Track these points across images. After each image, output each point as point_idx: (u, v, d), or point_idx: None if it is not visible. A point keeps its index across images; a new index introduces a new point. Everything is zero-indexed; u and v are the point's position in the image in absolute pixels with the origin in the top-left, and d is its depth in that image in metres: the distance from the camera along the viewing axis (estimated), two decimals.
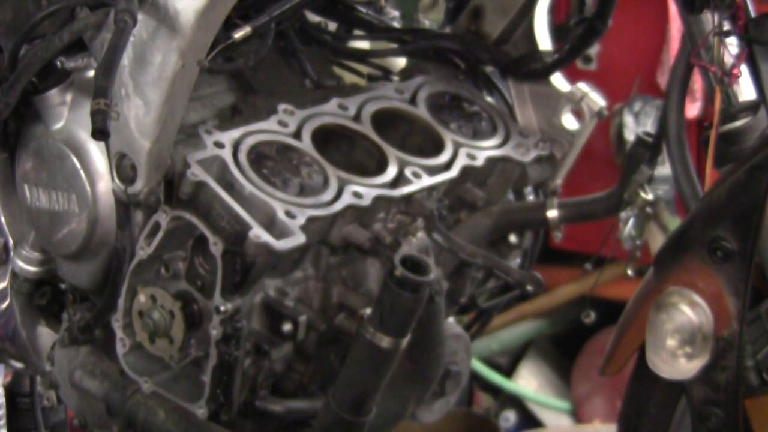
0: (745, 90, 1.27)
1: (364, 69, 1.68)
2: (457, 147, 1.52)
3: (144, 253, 1.37)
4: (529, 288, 1.55)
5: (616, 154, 2.71)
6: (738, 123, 1.26)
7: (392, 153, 1.47)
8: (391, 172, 1.45)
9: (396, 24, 1.71)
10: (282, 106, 1.45)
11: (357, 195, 1.39)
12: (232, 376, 1.37)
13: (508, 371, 3.06)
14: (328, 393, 1.36)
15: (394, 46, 1.66)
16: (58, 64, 1.40)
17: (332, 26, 1.67)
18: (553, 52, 1.60)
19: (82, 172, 1.42)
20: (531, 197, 1.66)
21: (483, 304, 1.70)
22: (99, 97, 1.21)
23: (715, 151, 1.26)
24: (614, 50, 2.70)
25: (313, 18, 1.64)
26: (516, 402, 3.00)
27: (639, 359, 1.32)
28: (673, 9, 2.56)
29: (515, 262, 1.67)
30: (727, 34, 1.24)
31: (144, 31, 1.29)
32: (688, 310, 1.21)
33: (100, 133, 1.21)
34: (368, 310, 1.33)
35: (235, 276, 1.33)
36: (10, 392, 1.83)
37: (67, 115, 1.44)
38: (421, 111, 1.54)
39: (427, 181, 1.46)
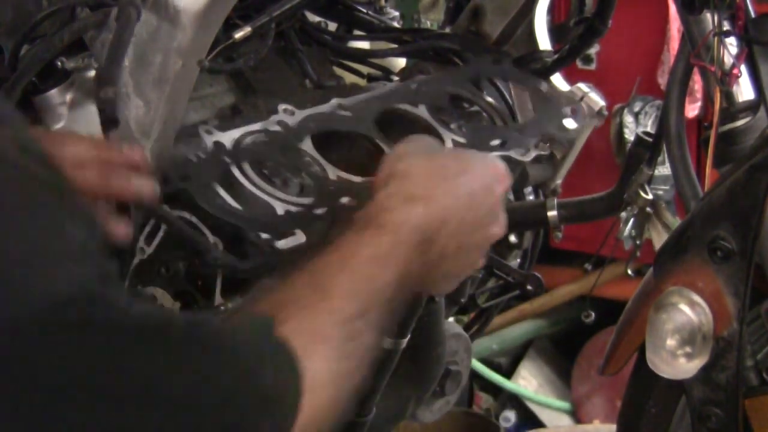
0: (745, 90, 1.27)
1: (364, 69, 1.68)
2: (457, 147, 1.52)
3: (144, 253, 1.37)
4: (529, 288, 1.55)
5: (617, 154, 2.71)
6: (738, 123, 1.26)
7: None
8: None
9: (396, 24, 1.71)
10: (282, 106, 1.45)
11: None
12: None
13: (508, 371, 3.07)
14: None
15: (394, 46, 1.66)
16: (59, 64, 1.40)
17: (332, 26, 1.67)
18: (552, 52, 1.60)
19: None
20: (531, 197, 1.66)
21: (483, 304, 1.70)
22: (107, 85, 1.21)
23: (715, 151, 1.26)
24: (614, 50, 2.71)
25: (313, 18, 1.64)
26: (516, 402, 3.00)
27: (639, 359, 1.32)
28: (672, 9, 2.56)
29: (515, 262, 1.67)
30: (727, 34, 1.24)
31: (144, 31, 1.29)
32: (688, 310, 1.21)
33: (110, 122, 1.20)
34: None
35: (235, 276, 1.33)
36: None
37: (67, 115, 1.44)
38: (421, 111, 1.54)
39: None
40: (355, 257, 0.96)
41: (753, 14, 1.26)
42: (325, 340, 0.89)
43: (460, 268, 1.10)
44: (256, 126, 1.42)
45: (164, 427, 0.75)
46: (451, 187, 1.07)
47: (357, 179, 1.31)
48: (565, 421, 2.98)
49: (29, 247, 0.71)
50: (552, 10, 1.68)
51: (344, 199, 1.24)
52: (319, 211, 1.25)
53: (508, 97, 1.65)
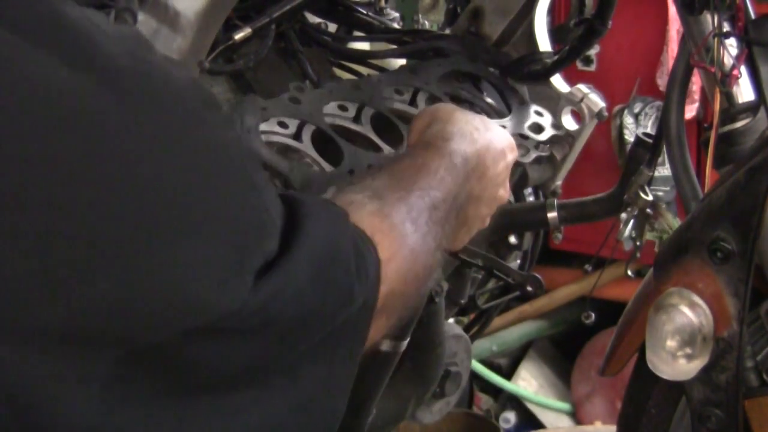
0: (745, 91, 1.27)
1: (364, 70, 1.68)
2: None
3: None
4: (529, 289, 1.55)
5: (618, 155, 2.71)
6: (738, 124, 1.26)
7: (391, 151, 1.47)
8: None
9: (396, 25, 1.71)
10: (293, 84, 1.45)
11: None
12: None
13: (508, 372, 3.07)
14: None
15: (394, 47, 1.66)
16: None
17: (332, 27, 1.67)
18: (552, 53, 1.60)
19: None
20: (531, 198, 1.66)
21: (483, 305, 1.70)
22: None
23: (714, 153, 1.26)
24: (614, 51, 2.71)
25: (313, 19, 1.64)
26: (516, 403, 3.00)
27: (639, 360, 1.32)
28: (672, 10, 2.56)
29: (515, 263, 1.67)
30: (727, 35, 1.24)
31: (144, 32, 1.30)
32: (688, 311, 1.21)
33: None
34: None
35: None
36: None
37: None
38: None
39: None
40: (423, 167, 1.06)
41: (753, 15, 1.26)
42: (417, 216, 0.99)
43: (474, 219, 1.19)
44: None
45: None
46: (481, 138, 1.17)
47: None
48: (565, 422, 2.98)
49: (198, 251, 0.74)
50: (552, 11, 1.68)
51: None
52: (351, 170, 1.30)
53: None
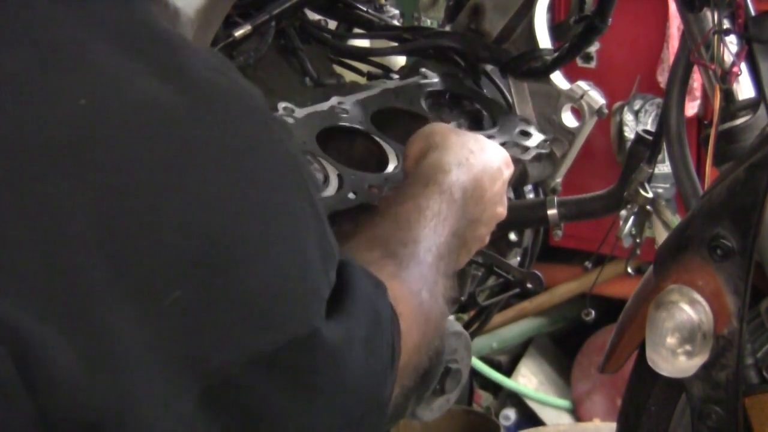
0: (745, 88, 1.27)
1: (365, 67, 1.68)
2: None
3: None
4: (529, 286, 1.55)
5: (617, 152, 2.71)
6: (738, 121, 1.26)
7: (392, 151, 1.47)
8: (391, 169, 1.44)
9: (396, 22, 1.71)
10: (282, 105, 1.45)
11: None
12: None
13: (508, 369, 3.07)
14: None
15: (394, 44, 1.66)
16: None
17: (332, 25, 1.67)
18: (553, 50, 1.60)
19: None
20: (531, 195, 1.66)
21: (483, 302, 1.70)
22: None
23: (714, 150, 1.26)
24: (614, 48, 2.70)
25: (314, 16, 1.64)
26: (516, 400, 3.00)
27: (639, 357, 1.32)
28: (673, 7, 2.56)
29: (515, 260, 1.67)
30: (727, 32, 1.24)
31: None
32: (688, 308, 1.21)
33: None
34: None
35: None
36: None
37: None
38: (420, 109, 1.54)
39: None
40: (426, 210, 1.05)
41: (753, 12, 1.26)
42: (428, 274, 0.98)
43: (474, 241, 1.18)
44: None
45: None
46: (477, 162, 1.17)
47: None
48: (565, 419, 2.98)
49: (278, 272, 0.74)
50: (552, 9, 1.68)
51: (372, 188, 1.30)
52: (352, 196, 1.28)
53: (507, 94, 1.65)
